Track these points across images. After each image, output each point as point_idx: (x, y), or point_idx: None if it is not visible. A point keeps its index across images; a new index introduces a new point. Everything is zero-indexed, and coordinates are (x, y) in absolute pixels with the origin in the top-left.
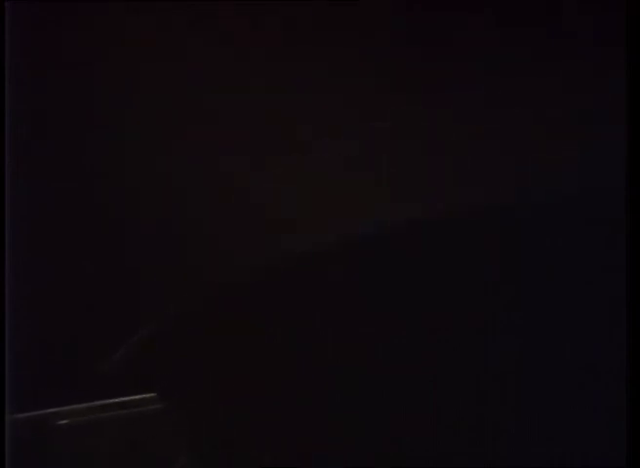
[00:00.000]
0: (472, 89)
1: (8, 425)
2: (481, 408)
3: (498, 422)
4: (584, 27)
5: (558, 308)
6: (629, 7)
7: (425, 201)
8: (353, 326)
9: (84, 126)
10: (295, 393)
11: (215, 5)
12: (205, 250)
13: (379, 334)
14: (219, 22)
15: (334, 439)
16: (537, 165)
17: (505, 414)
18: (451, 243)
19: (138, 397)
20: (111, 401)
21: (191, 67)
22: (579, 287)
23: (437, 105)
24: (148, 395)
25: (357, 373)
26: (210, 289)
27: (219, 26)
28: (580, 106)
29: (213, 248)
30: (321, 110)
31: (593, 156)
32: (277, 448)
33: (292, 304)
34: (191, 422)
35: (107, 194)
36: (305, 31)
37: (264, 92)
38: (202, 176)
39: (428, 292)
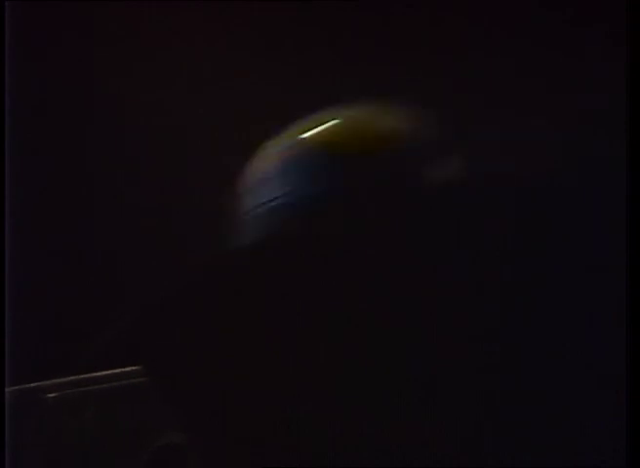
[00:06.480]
0: (473, 87)
1: (7, 396)
2: (480, 407)
3: (497, 422)
4: (585, 28)
5: (558, 308)
6: (629, 8)
7: (425, 201)
8: (349, 319)
9: (83, 124)
10: (289, 386)
11: (215, 4)
12: (193, 236)
13: (375, 330)
14: (218, 22)
15: (330, 436)
16: (537, 164)
17: (505, 414)
18: (449, 240)
19: (128, 370)
20: (102, 374)
21: (189, 68)
22: (578, 286)
23: (436, 105)
24: (138, 368)
25: (352, 370)
26: (200, 273)
27: (218, 26)
28: (580, 107)
29: (202, 234)
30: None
31: (593, 156)
32: (269, 440)
33: (284, 295)
34: (180, 397)
35: (103, 190)
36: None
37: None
38: (197, 169)
39: (427, 290)
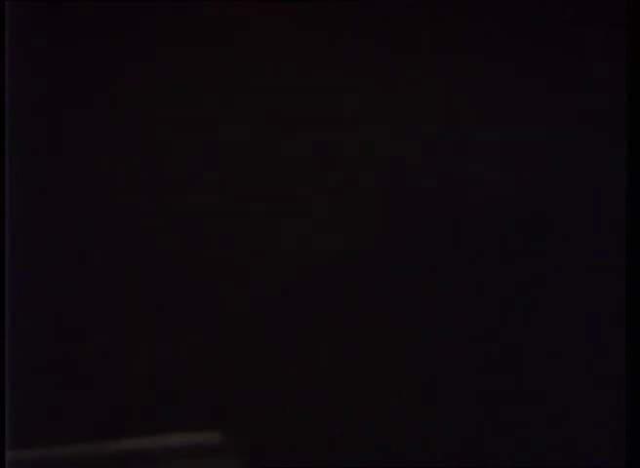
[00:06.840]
0: (473, 87)
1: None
2: (480, 407)
3: (497, 422)
4: (585, 28)
5: (558, 308)
6: (629, 8)
7: (426, 201)
8: (357, 325)
9: (83, 124)
10: (289, 386)
11: (215, 5)
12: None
13: (382, 334)
14: (220, 23)
15: (330, 436)
16: (537, 165)
17: (505, 414)
18: (449, 240)
19: None
20: None
21: (188, 72)
22: (578, 286)
23: (437, 105)
24: None
25: (358, 375)
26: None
27: (220, 27)
28: (580, 107)
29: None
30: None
31: (593, 156)
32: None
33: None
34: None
35: (103, 190)
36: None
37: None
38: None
39: (427, 293)
